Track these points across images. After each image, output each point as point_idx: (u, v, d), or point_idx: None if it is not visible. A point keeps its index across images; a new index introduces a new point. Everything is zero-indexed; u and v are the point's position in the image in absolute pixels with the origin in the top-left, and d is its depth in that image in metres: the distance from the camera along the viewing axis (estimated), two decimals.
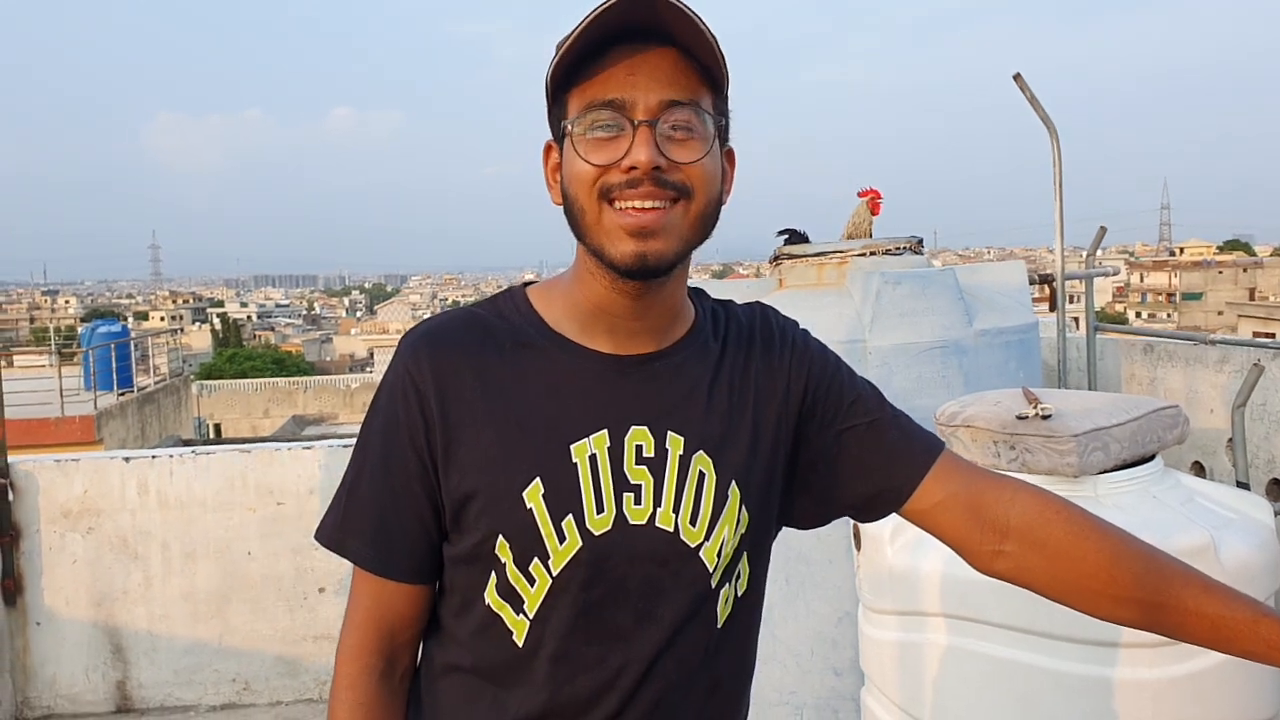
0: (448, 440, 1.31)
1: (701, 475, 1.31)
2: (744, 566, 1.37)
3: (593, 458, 1.29)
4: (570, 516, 1.27)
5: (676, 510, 1.30)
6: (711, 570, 1.31)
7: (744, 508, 1.34)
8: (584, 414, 1.31)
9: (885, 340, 3.75)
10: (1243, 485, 3.18)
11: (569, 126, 1.25)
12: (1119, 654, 2.30)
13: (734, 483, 1.33)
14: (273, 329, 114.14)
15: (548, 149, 1.35)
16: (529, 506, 1.27)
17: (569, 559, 1.27)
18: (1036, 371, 4.23)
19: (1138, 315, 68.92)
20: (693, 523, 1.30)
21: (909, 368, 3.76)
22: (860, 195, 4.53)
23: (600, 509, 1.28)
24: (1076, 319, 6.35)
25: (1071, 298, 5.79)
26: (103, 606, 4.86)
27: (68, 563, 4.82)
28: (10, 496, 4.74)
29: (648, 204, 1.21)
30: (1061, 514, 1.38)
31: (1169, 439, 2.65)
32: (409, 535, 1.35)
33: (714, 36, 1.22)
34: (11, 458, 4.81)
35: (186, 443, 15.91)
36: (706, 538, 1.31)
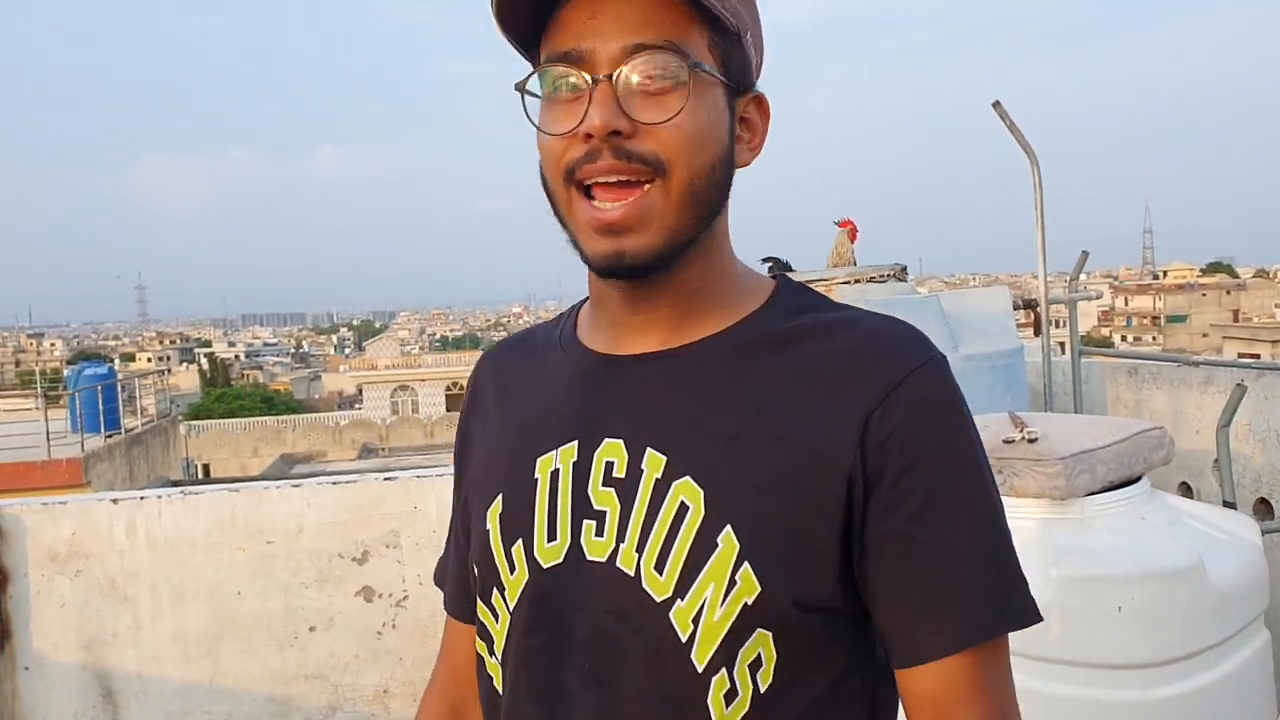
0: (464, 460, 1.22)
1: (683, 508, 0.99)
2: (765, 651, 0.98)
3: (555, 474, 1.06)
4: (520, 542, 1.06)
5: (641, 550, 1.00)
6: (687, 640, 0.97)
7: (748, 568, 0.96)
8: (558, 423, 1.09)
9: None
10: (1229, 505, 3.19)
11: (524, 84, 1.03)
12: (1112, 676, 2.31)
13: (730, 529, 0.97)
14: (261, 368, 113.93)
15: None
16: (488, 528, 1.10)
17: (519, 593, 1.06)
18: (1023, 395, 4.25)
19: (1123, 339, 69.15)
20: (658, 569, 0.99)
21: None
22: (840, 226, 4.56)
23: (552, 536, 1.04)
24: (1062, 343, 6.38)
25: (1056, 322, 5.81)
26: (92, 649, 4.82)
27: (56, 606, 4.79)
28: None
29: (612, 178, 0.97)
30: None
31: (1155, 460, 2.67)
32: (459, 568, 1.22)
33: None
34: None
35: (175, 483, 15.86)
36: (680, 594, 0.98)
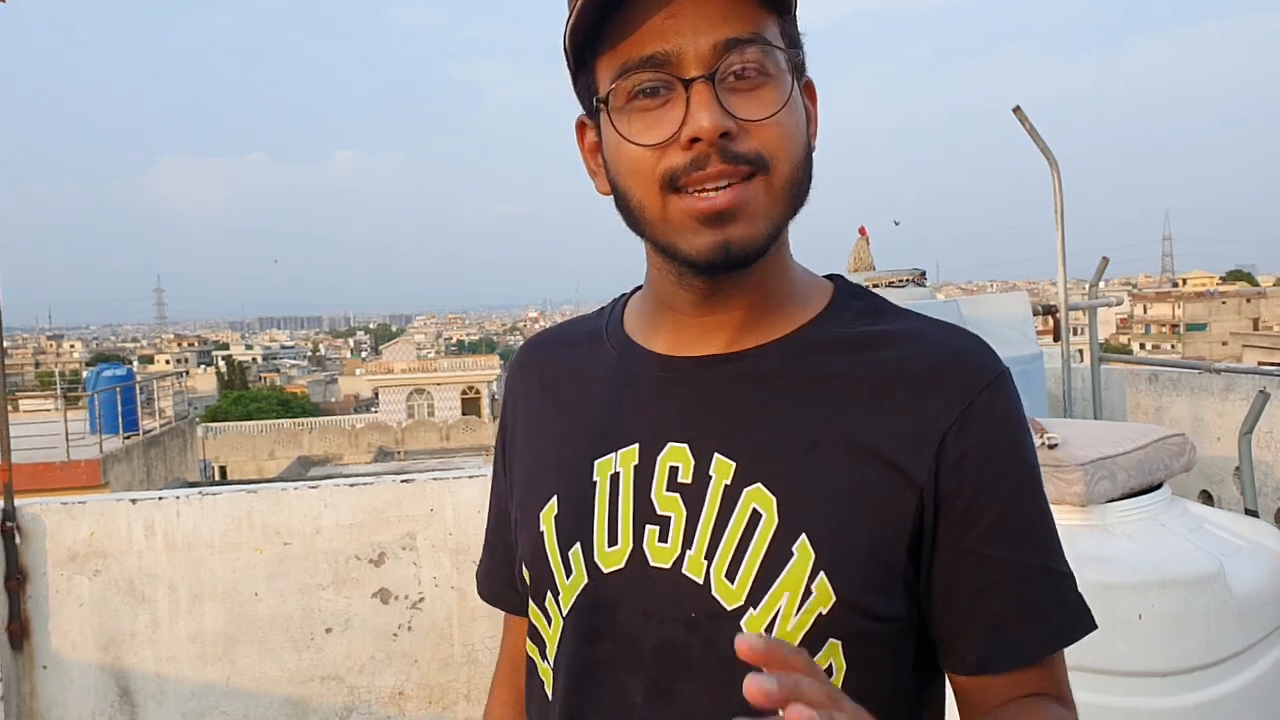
0: (511, 458, 1.20)
1: (755, 515, 0.98)
2: (835, 661, 0.98)
3: (614, 477, 1.04)
4: (578, 546, 1.04)
5: (711, 557, 0.98)
6: None
7: (824, 578, 0.96)
8: (618, 425, 1.06)
9: None
10: (1251, 513, 3.17)
11: (604, 97, 0.98)
12: (1133, 683, 2.29)
13: (806, 538, 0.96)
14: (278, 371, 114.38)
15: (580, 127, 1.08)
16: (541, 530, 1.08)
17: (575, 597, 1.05)
18: (1042, 402, 4.23)
19: (1141, 346, 68.88)
20: (730, 577, 0.98)
21: None
22: (860, 233, 4.57)
23: (614, 541, 1.03)
24: (1080, 350, 6.35)
25: (1075, 329, 5.79)
26: (110, 649, 4.84)
27: (74, 606, 4.81)
28: (17, 540, 4.73)
29: (722, 183, 0.94)
30: None
31: (1176, 467, 2.65)
32: (507, 563, 1.20)
33: None
34: (18, 501, 4.81)
35: (192, 485, 15.92)
36: (753, 603, 0.97)
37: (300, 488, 4.97)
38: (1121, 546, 2.41)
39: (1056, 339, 5.06)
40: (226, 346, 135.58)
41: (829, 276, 1.13)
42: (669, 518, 1.01)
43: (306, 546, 4.90)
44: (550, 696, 1.09)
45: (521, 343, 1.29)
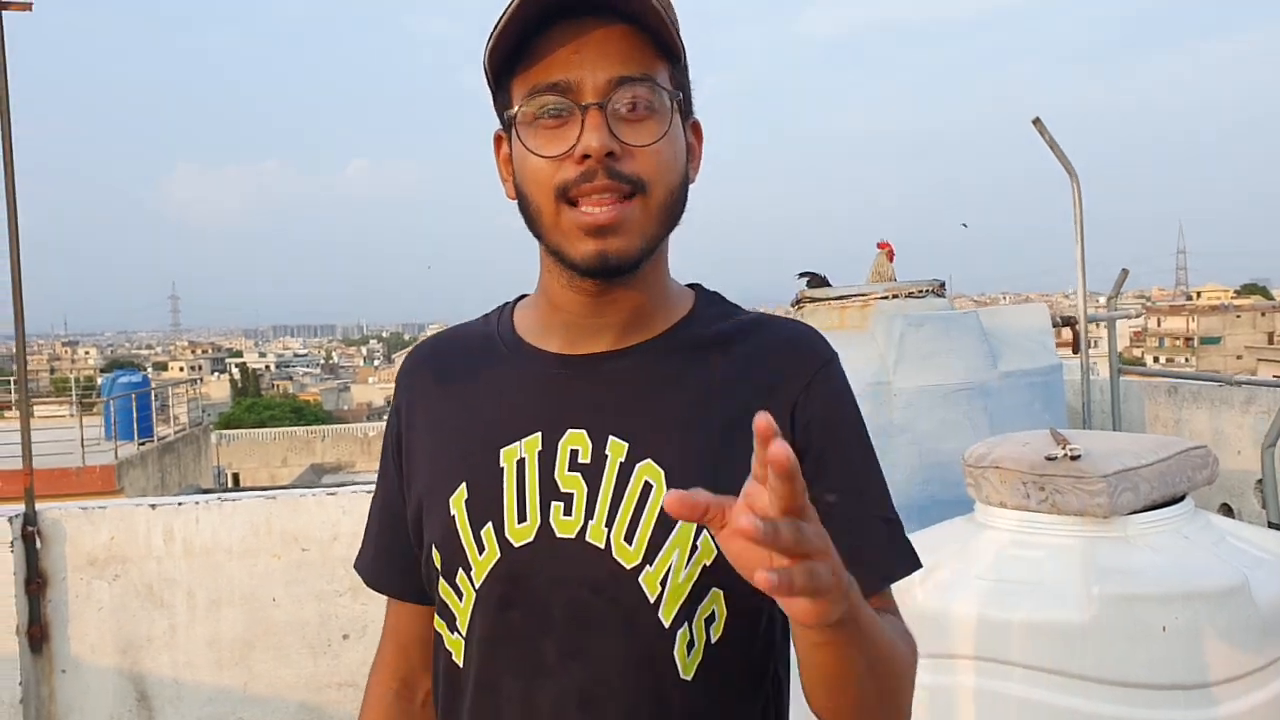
0: (409, 453, 1.30)
1: (647, 486, 1.15)
2: (718, 607, 1.15)
3: (520, 463, 1.18)
4: (490, 525, 1.17)
5: (610, 524, 1.14)
6: (655, 601, 1.13)
7: (707, 535, 1.11)
8: (520, 417, 1.21)
9: (910, 382, 3.75)
10: (1275, 526, 3.16)
11: (514, 115, 1.15)
12: (1154, 696, 2.29)
13: None
14: (291, 378, 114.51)
15: (497, 140, 1.24)
16: (452, 513, 1.19)
17: (488, 571, 1.17)
18: (1061, 413, 4.23)
19: (1155, 360, 68.57)
20: (628, 540, 1.14)
21: (933, 410, 3.76)
22: (879, 247, 4.57)
23: (522, 518, 1.16)
24: (1097, 363, 6.34)
25: (1091, 342, 5.78)
26: (128, 654, 4.86)
27: (94, 610, 4.83)
28: (38, 544, 4.76)
29: (606, 197, 1.10)
30: None
31: (1199, 479, 2.65)
32: (400, 552, 1.31)
33: (663, 2, 1.11)
34: (38, 505, 4.83)
35: (206, 491, 15.95)
36: (648, 561, 1.13)
37: (319, 494, 4.99)
38: (1145, 558, 2.41)
39: (1075, 351, 5.06)
40: (240, 354, 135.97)
41: (690, 285, 1.31)
42: (572, 494, 1.16)
43: (324, 553, 4.91)
44: (461, 664, 1.21)
45: None
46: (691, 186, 1.22)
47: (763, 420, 0.82)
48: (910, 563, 1.23)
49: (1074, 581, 2.36)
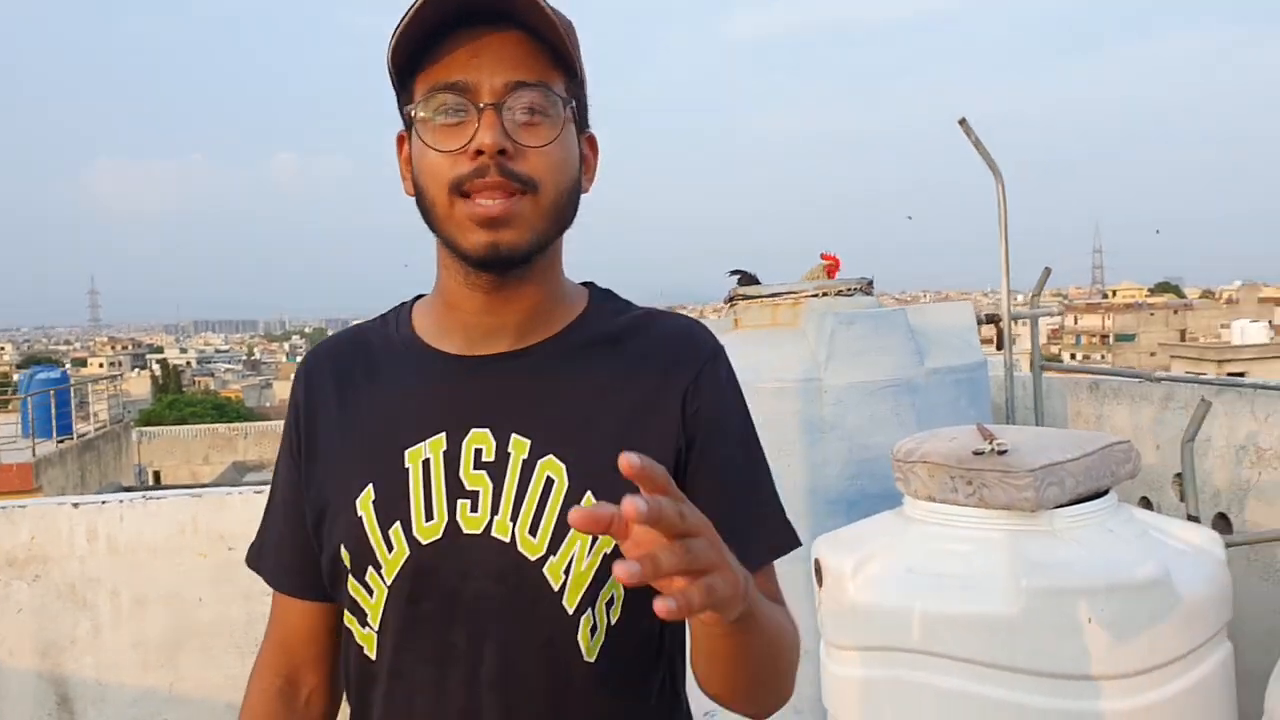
0: (310, 453, 1.32)
1: (549, 481, 1.20)
2: (616, 592, 1.22)
3: (425, 463, 1.22)
4: (398, 524, 1.21)
5: (515, 519, 1.19)
6: (558, 589, 1.19)
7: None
8: (423, 418, 1.24)
9: (840, 379, 3.79)
10: (1193, 519, 3.24)
11: (414, 112, 1.19)
12: (1082, 686, 2.33)
13: (590, 494, 1.19)
14: (213, 375, 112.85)
15: (400, 141, 1.28)
16: (359, 515, 1.22)
17: (398, 569, 1.21)
18: (986, 409, 4.29)
19: (1073, 356, 69.77)
20: (532, 533, 1.18)
21: (863, 406, 3.80)
22: (823, 257, 4.59)
23: (430, 516, 1.20)
24: (1019, 359, 6.44)
25: (1012, 339, 5.88)
26: (49, 656, 4.76)
27: (13, 612, 4.72)
28: None
29: (497, 192, 1.15)
30: None
31: (1122, 474, 2.71)
32: (297, 549, 1.34)
33: (561, 17, 1.17)
34: None
35: (127, 490, 15.66)
36: (552, 551, 1.18)
37: (245, 492, 4.92)
38: (1071, 552, 2.45)
39: (999, 348, 5.13)
40: (161, 350, 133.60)
41: (584, 283, 1.37)
42: (477, 491, 1.20)
43: None
44: (374, 657, 1.25)
45: None
46: (585, 197, 1.27)
47: (624, 462, 0.84)
48: (790, 540, 1.31)
49: (1002, 575, 2.40)
